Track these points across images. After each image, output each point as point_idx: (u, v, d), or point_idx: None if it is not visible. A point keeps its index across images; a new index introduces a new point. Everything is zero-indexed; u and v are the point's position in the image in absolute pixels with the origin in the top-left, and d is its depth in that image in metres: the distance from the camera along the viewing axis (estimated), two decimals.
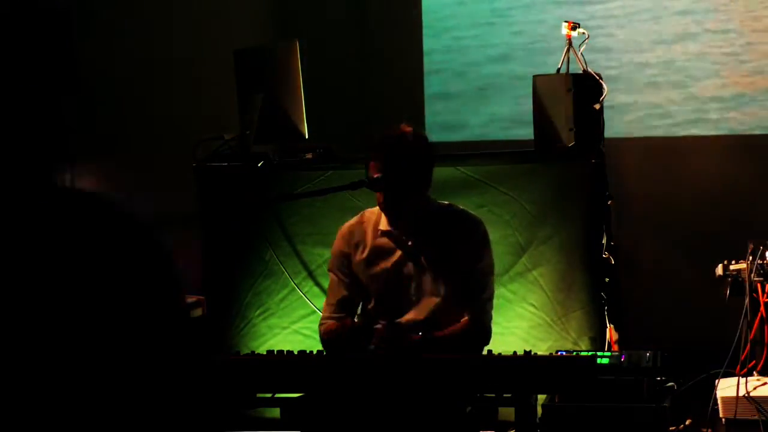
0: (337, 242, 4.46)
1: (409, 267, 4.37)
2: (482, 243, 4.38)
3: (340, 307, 4.39)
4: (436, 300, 4.34)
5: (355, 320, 4.33)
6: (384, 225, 4.39)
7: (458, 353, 4.14)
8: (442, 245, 4.36)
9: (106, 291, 1.01)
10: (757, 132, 6.45)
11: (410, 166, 4.25)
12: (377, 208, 4.43)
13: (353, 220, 4.48)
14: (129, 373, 1.00)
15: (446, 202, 4.46)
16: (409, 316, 4.33)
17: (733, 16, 6.51)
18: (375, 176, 4.24)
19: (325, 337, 4.35)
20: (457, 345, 4.22)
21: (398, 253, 4.38)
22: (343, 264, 4.42)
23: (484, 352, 4.05)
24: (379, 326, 4.19)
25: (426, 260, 4.36)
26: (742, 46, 6.49)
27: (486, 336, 4.35)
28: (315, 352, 4.11)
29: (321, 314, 4.46)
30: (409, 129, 4.33)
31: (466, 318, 4.30)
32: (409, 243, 4.35)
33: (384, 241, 4.39)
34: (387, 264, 4.38)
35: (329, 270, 4.47)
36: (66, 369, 0.98)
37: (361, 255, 4.41)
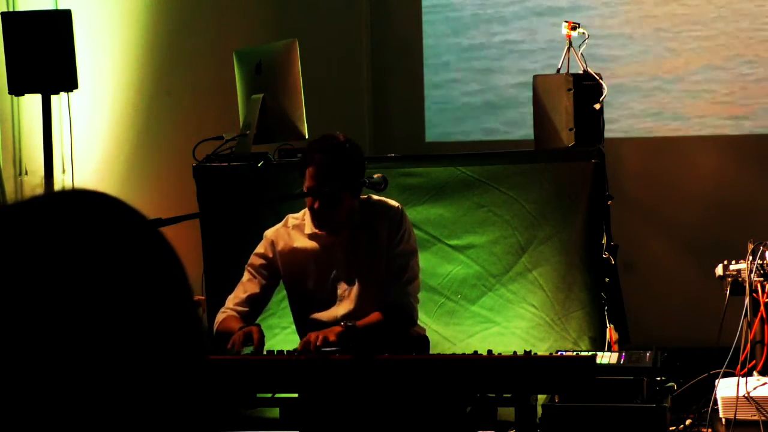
0: (261, 246, 4.49)
1: (337, 267, 4.41)
2: (399, 227, 4.39)
3: (248, 303, 4.42)
4: (365, 295, 4.38)
5: (253, 328, 4.26)
6: (309, 228, 4.42)
7: (383, 336, 4.19)
8: (365, 240, 4.40)
9: (116, 289, 1.01)
10: (757, 132, 6.45)
11: (347, 174, 4.28)
12: (301, 212, 4.47)
13: (278, 226, 4.51)
14: (138, 374, 1.00)
15: (364, 196, 4.46)
16: (340, 312, 4.37)
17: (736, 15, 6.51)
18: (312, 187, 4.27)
19: (220, 327, 4.35)
20: (381, 329, 4.25)
21: (325, 254, 4.42)
22: (263, 266, 4.46)
23: (484, 353, 4.04)
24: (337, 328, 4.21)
25: (352, 258, 4.40)
26: (744, 46, 6.48)
27: (407, 317, 4.38)
28: (315, 353, 4.11)
29: (225, 303, 4.46)
30: (343, 137, 4.36)
31: (386, 301, 4.33)
32: (332, 242, 4.39)
33: (311, 243, 4.42)
34: (314, 266, 4.43)
35: (247, 267, 4.49)
36: (71, 370, 0.98)
37: (287, 259, 4.45)
